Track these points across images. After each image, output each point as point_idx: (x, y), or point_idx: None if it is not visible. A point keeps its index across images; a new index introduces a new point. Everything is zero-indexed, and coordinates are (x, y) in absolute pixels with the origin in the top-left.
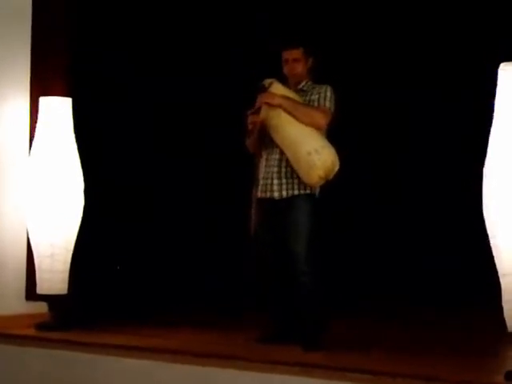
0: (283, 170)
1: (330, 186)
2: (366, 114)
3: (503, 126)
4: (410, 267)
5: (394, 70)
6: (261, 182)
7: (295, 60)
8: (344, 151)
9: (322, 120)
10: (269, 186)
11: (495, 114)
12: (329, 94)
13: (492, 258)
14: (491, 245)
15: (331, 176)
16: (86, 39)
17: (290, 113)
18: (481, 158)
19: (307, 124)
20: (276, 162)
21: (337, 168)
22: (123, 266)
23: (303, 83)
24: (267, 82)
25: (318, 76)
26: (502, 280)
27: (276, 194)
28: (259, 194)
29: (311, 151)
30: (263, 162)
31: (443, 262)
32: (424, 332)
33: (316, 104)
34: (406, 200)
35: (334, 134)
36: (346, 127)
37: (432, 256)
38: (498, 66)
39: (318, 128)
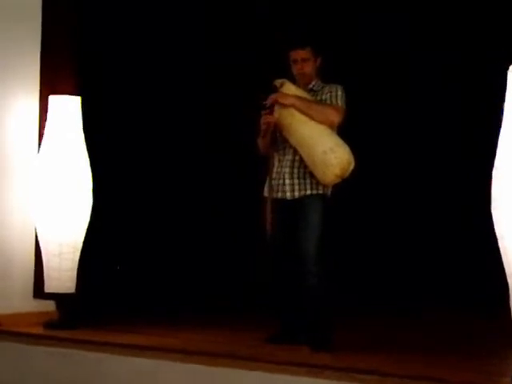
0: (295, 170)
1: (335, 185)
2: (372, 115)
3: None
4: (416, 269)
5: (399, 70)
6: (273, 182)
7: (304, 60)
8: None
9: (336, 117)
10: (281, 187)
11: (504, 116)
12: (340, 92)
13: (499, 259)
14: (499, 246)
15: (347, 174)
16: (95, 38)
17: (302, 112)
18: (490, 160)
19: (320, 122)
20: (288, 163)
21: (352, 166)
22: (129, 263)
23: (313, 83)
24: (278, 82)
25: (327, 76)
26: (510, 281)
27: (288, 195)
28: (272, 195)
29: (326, 150)
30: (275, 163)
31: (449, 264)
32: (431, 334)
33: (328, 103)
34: (413, 201)
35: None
36: (354, 129)
37: (438, 258)
38: (507, 68)
39: (331, 125)
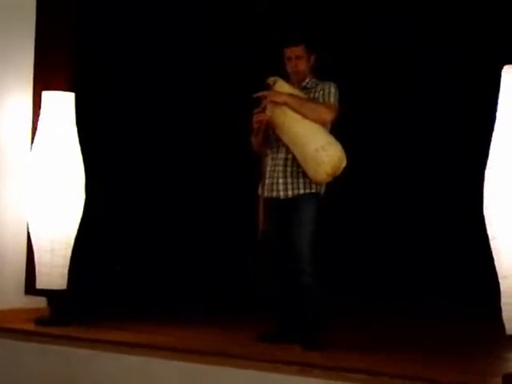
0: (288, 169)
1: (335, 185)
2: (372, 115)
3: (505, 128)
4: (410, 269)
5: (399, 70)
6: (267, 181)
7: (297, 57)
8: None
9: (328, 115)
10: (274, 186)
11: (497, 117)
12: (333, 90)
13: (492, 259)
14: (491, 247)
15: (338, 173)
16: (93, 36)
17: (295, 110)
18: (483, 161)
19: (313, 120)
20: (281, 162)
21: (344, 164)
22: (122, 262)
23: (307, 80)
24: (271, 80)
25: (327, 76)
26: (501, 282)
27: (281, 194)
28: (265, 194)
29: (318, 148)
30: (269, 161)
31: (449, 264)
32: (423, 334)
33: (320, 100)
34: (408, 201)
35: (339, 134)
36: (354, 128)
37: (438, 258)
38: (501, 69)
39: (323, 123)
